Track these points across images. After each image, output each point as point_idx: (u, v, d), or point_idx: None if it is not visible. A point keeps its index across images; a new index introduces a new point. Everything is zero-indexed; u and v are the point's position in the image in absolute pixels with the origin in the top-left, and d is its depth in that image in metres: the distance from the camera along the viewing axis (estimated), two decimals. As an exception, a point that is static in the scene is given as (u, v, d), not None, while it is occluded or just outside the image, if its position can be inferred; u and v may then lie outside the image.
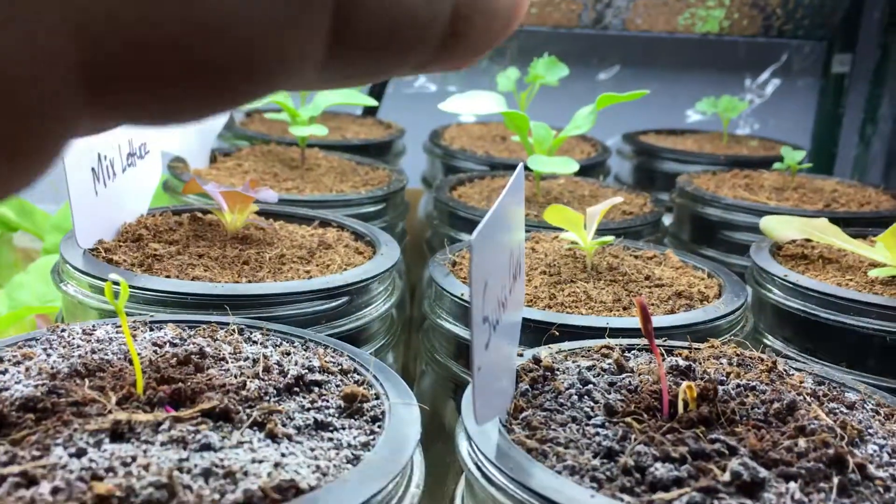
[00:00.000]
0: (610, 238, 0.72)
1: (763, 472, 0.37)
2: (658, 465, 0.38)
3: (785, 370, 0.50)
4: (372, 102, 0.97)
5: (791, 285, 0.69)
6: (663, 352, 0.53)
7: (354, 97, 0.97)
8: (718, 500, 0.36)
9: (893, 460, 0.41)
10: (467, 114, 0.87)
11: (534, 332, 0.57)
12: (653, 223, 0.92)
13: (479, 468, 0.40)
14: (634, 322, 0.60)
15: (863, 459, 0.39)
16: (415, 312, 1.04)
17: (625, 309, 0.63)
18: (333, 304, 0.60)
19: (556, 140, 0.93)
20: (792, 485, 0.37)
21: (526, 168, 0.89)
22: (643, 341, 0.55)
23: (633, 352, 0.53)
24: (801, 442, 0.40)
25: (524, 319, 0.59)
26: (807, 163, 1.03)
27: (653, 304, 0.64)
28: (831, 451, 0.39)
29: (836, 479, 0.37)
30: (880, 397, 0.48)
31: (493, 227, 0.40)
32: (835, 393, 0.48)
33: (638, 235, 0.91)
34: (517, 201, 0.47)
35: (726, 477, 0.37)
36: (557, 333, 0.55)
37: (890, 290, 0.68)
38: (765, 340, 0.73)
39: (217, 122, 1.00)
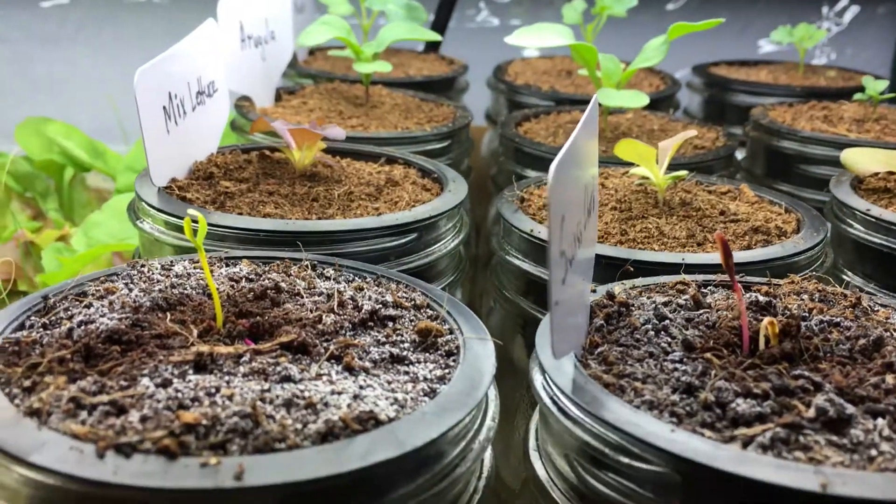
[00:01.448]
0: (683, 173, 0.70)
1: (850, 409, 0.36)
2: (739, 400, 0.37)
3: (869, 306, 0.48)
4: (436, 37, 0.95)
5: (874, 220, 0.67)
6: (741, 288, 0.52)
7: (418, 32, 0.95)
8: (804, 436, 0.35)
9: None
10: (532, 47, 0.85)
11: (605, 269, 0.56)
12: (725, 158, 0.90)
13: (554, 402, 0.40)
14: (710, 258, 0.58)
15: (955, 397, 0.37)
16: (479, 250, 1.04)
17: (699, 245, 0.62)
18: (402, 240, 0.60)
19: (626, 73, 0.90)
20: (880, 421, 0.36)
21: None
22: (718, 277, 0.53)
23: (708, 288, 0.52)
24: (890, 379, 0.39)
25: (596, 255, 0.58)
26: (888, 93, 0.99)
27: (728, 240, 0.63)
28: (922, 389, 0.37)
29: (925, 417, 0.36)
30: None
31: (569, 161, 0.39)
32: None
33: (710, 170, 0.88)
34: (591, 136, 0.46)
35: (811, 413, 0.36)
36: (632, 269, 0.54)
37: (980, 224, 0.65)
38: (844, 276, 0.71)
39: (282, 59, 0.99)
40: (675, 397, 0.38)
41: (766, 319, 0.42)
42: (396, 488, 0.34)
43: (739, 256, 0.59)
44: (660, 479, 0.35)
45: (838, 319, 0.46)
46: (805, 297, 0.49)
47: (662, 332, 0.44)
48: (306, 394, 0.36)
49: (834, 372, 0.40)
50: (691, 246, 0.62)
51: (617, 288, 0.51)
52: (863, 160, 0.73)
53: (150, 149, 0.61)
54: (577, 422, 0.38)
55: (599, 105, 0.87)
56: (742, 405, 0.37)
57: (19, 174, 1.14)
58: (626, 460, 0.36)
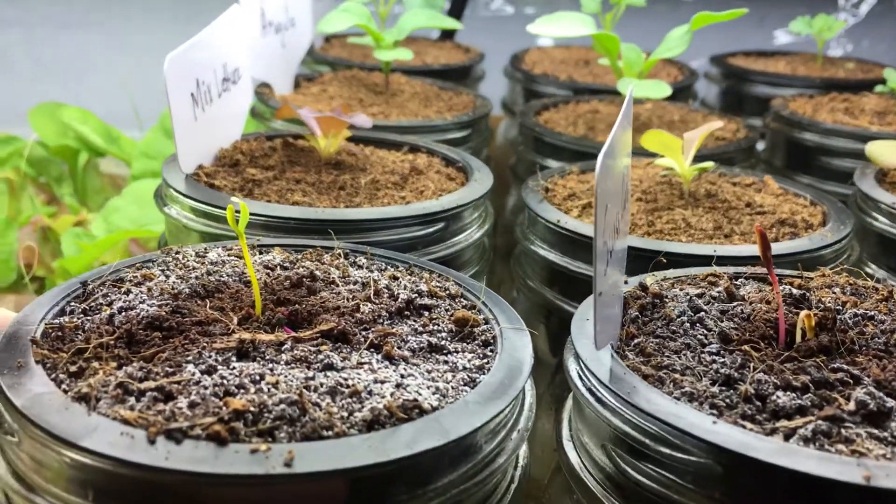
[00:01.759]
0: (710, 164, 0.70)
1: (890, 402, 0.36)
2: (780, 393, 0.37)
3: (902, 299, 0.48)
4: (457, 25, 0.95)
5: (899, 213, 0.67)
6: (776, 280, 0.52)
7: (438, 19, 0.95)
8: (845, 429, 0.35)
9: None
10: (554, 36, 0.85)
11: (634, 261, 0.56)
12: (747, 149, 0.90)
13: (591, 392, 0.40)
14: (739, 250, 0.58)
15: None
16: (497, 241, 1.04)
17: (726, 237, 0.62)
18: (430, 230, 0.60)
19: (648, 63, 0.90)
20: (919, 415, 0.36)
21: (615, 92, 0.87)
22: (749, 269, 0.53)
23: (739, 280, 0.52)
24: (927, 373, 0.39)
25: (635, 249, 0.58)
26: None
27: (755, 233, 0.63)
28: (962, 383, 0.38)
29: (966, 411, 0.36)
30: None
31: (612, 152, 0.39)
32: None
33: (731, 162, 0.88)
34: (627, 127, 0.46)
35: (851, 406, 0.36)
36: (665, 261, 0.54)
37: None
38: (868, 269, 0.71)
39: (301, 46, 0.99)
40: (715, 389, 0.38)
41: (804, 312, 0.42)
42: (441, 476, 0.35)
43: (777, 248, 0.59)
44: (701, 470, 0.36)
45: (872, 313, 0.46)
46: (837, 290, 0.50)
47: (698, 324, 0.44)
48: (350, 382, 0.36)
49: (871, 365, 0.40)
50: (718, 238, 0.62)
51: (649, 279, 0.51)
52: (888, 153, 0.73)
53: (179, 136, 0.61)
54: (616, 412, 0.38)
55: (612, 95, 0.87)
56: (782, 398, 0.37)
57: (33, 159, 1.14)
58: (666, 451, 0.36)
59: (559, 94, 1.13)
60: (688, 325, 0.44)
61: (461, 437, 0.34)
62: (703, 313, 0.45)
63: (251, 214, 0.57)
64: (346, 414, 0.34)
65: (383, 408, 0.34)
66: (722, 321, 0.45)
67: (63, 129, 1.18)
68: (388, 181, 0.66)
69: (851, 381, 0.38)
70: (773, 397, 0.37)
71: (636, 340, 0.43)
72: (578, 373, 0.42)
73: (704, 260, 0.56)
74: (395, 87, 0.99)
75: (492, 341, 0.42)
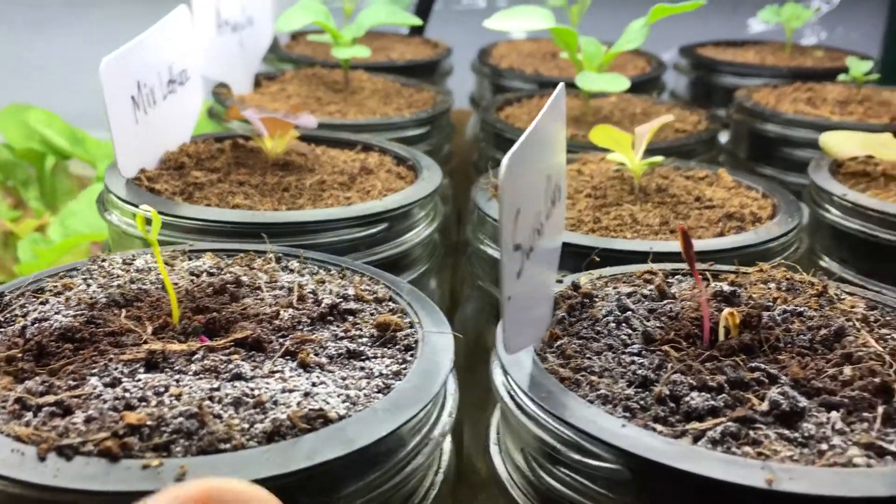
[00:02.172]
0: (659, 158, 0.69)
1: (803, 402, 0.36)
2: (694, 394, 0.37)
3: (836, 295, 0.48)
4: (416, 21, 0.95)
5: (850, 204, 0.66)
6: (709, 277, 0.51)
7: (398, 16, 0.94)
8: (755, 430, 0.35)
9: (946, 389, 0.39)
10: (514, 31, 0.84)
11: (575, 258, 0.56)
12: (707, 141, 0.89)
13: (511, 397, 0.40)
14: (678, 246, 0.58)
15: (913, 389, 0.37)
16: (462, 236, 1.03)
17: (672, 232, 0.61)
18: (372, 231, 0.59)
19: (607, 56, 0.89)
20: (833, 414, 0.36)
21: (576, 86, 0.86)
22: (704, 266, 0.53)
23: (677, 277, 0.52)
24: (847, 370, 0.39)
25: (565, 244, 0.58)
26: (876, 74, 0.98)
27: (701, 227, 0.62)
28: (877, 380, 0.37)
29: (881, 409, 0.36)
30: None
31: (528, 150, 0.38)
32: (888, 318, 0.46)
33: (691, 154, 0.87)
34: (557, 122, 0.45)
35: (764, 406, 0.36)
36: (598, 259, 0.54)
37: (956, 208, 0.64)
38: (821, 262, 0.71)
39: (261, 45, 0.98)
40: (630, 391, 0.38)
41: (726, 310, 0.42)
42: (347, 485, 0.34)
43: (711, 244, 0.59)
44: (612, 476, 0.35)
45: (802, 309, 0.45)
46: (772, 285, 0.49)
47: (624, 324, 0.44)
48: (256, 392, 0.36)
49: (792, 363, 0.40)
50: (664, 233, 0.61)
51: (583, 278, 0.50)
52: (841, 143, 0.73)
53: (117, 139, 0.61)
54: (531, 417, 0.38)
55: (576, 88, 0.86)
56: (696, 399, 0.36)
57: (0, 163, 1.14)
58: (578, 457, 0.36)
59: (525, 88, 1.12)
60: (613, 325, 0.44)
61: (365, 447, 0.34)
62: (629, 313, 0.45)
63: (189, 219, 0.57)
64: (247, 426, 0.34)
65: (286, 418, 0.34)
66: (649, 320, 0.44)
67: (29, 131, 1.17)
68: (336, 181, 0.66)
69: (768, 381, 0.38)
70: (687, 398, 0.37)
71: (559, 342, 0.42)
72: (501, 378, 0.41)
73: (647, 257, 0.56)
74: (356, 84, 0.98)
75: (413, 346, 0.42)
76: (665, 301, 0.47)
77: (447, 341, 0.42)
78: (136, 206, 0.58)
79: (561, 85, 0.47)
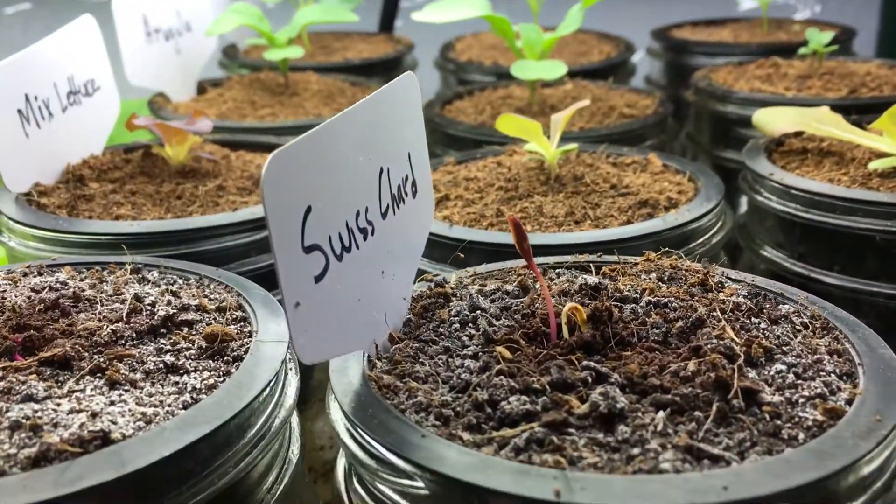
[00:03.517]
0: (573, 146, 0.66)
1: (622, 403, 0.33)
2: (513, 398, 0.34)
3: (718, 283, 0.45)
4: (352, 17, 0.92)
5: (777, 185, 0.63)
6: (592, 269, 0.48)
7: (334, 13, 0.92)
8: (565, 435, 0.32)
9: (800, 381, 0.35)
10: (443, 21, 0.81)
11: (447, 251, 0.54)
12: (655, 125, 0.85)
13: (333, 400, 0.37)
14: (577, 237, 0.55)
15: (754, 383, 0.34)
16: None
17: (577, 223, 0.58)
18: (259, 236, 0.57)
19: (547, 42, 0.86)
20: (660, 415, 0.33)
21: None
22: (586, 258, 0.50)
23: (558, 271, 0.49)
24: (691, 365, 0.36)
25: (442, 239, 0.55)
26: (873, 49, 0.93)
27: (611, 216, 0.59)
28: (714, 375, 0.34)
29: (714, 407, 0.33)
30: (818, 308, 0.42)
31: (322, 145, 0.36)
32: (767, 306, 0.42)
33: (642, 139, 0.84)
34: (402, 113, 0.43)
35: (583, 409, 0.33)
36: (462, 255, 0.52)
37: (889, 183, 0.60)
38: (752, 245, 0.67)
39: (201, 54, 0.97)
40: (449, 397, 0.35)
41: (569, 305, 0.39)
42: (128, 511, 0.32)
43: (614, 233, 0.56)
44: (414, 491, 0.33)
45: (667, 300, 0.42)
46: (652, 276, 0.46)
47: (470, 325, 0.41)
48: (39, 414, 0.34)
49: (634, 360, 0.37)
50: (568, 224, 0.58)
51: (454, 276, 0.48)
52: (774, 120, 0.69)
53: (2, 155, 0.60)
54: (346, 429, 0.35)
55: (514, 77, 0.83)
56: (513, 403, 0.34)
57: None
58: (383, 472, 0.33)
59: (485, 80, 1.09)
60: (458, 325, 0.41)
61: (140, 470, 0.31)
62: (479, 312, 0.42)
63: (68, 233, 0.56)
64: (14, 451, 0.32)
65: (57, 442, 0.32)
66: (499, 319, 0.41)
67: None
68: (235, 187, 0.64)
69: (596, 380, 0.35)
70: (504, 403, 0.34)
71: (396, 346, 0.40)
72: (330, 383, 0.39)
73: (547, 250, 0.53)
74: (301, 86, 0.96)
75: (243, 357, 0.40)
76: (527, 297, 0.44)
77: (279, 351, 0.40)
78: (17, 223, 0.57)
79: (408, 74, 0.44)
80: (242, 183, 0.65)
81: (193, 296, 0.45)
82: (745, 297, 0.43)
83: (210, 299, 0.45)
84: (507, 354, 0.37)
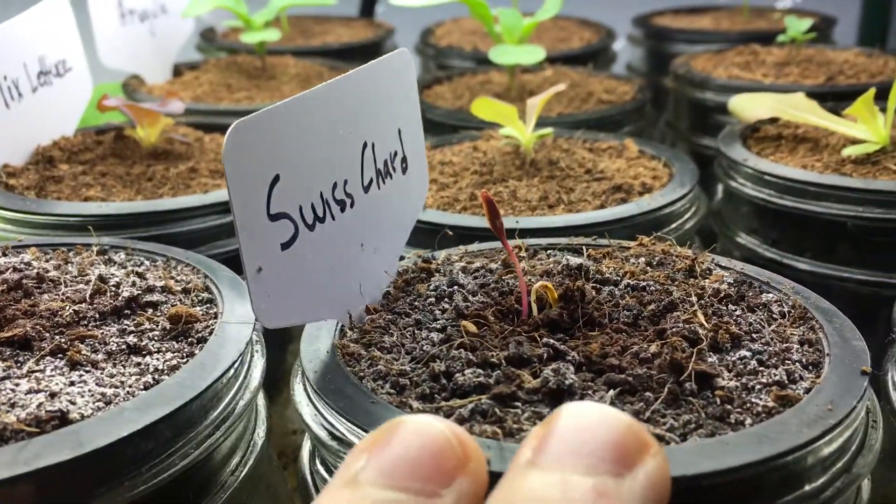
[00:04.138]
0: (548, 130, 0.66)
1: (571, 380, 0.33)
2: (468, 370, 0.34)
3: (708, 269, 0.44)
4: (330, 1, 0.91)
5: (751, 171, 0.63)
6: (583, 251, 0.48)
7: (313, -4, 0.91)
8: (511, 408, 0.32)
9: (762, 368, 0.35)
10: (417, 6, 0.81)
11: (420, 235, 0.53)
12: (634, 111, 0.85)
13: (297, 365, 0.37)
14: (549, 222, 0.55)
15: (711, 367, 0.34)
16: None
17: (550, 207, 0.58)
18: (230, 218, 0.57)
19: (526, 27, 0.86)
20: (610, 393, 0.33)
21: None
22: (580, 240, 0.49)
23: (547, 251, 0.48)
24: (653, 347, 0.35)
25: (425, 223, 0.55)
26: (854, 37, 0.93)
27: (584, 200, 0.59)
28: (670, 356, 0.34)
29: (666, 388, 0.33)
30: (801, 298, 0.41)
31: (295, 115, 0.35)
32: (750, 294, 0.42)
33: (619, 125, 0.84)
34: (382, 89, 0.42)
35: (534, 384, 0.33)
36: (451, 234, 0.51)
37: (862, 169, 0.60)
38: (727, 231, 0.67)
39: (177, 36, 0.96)
40: (408, 367, 0.35)
41: (538, 284, 0.39)
42: (87, 490, 0.32)
43: (587, 217, 0.55)
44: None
45: (646, 283, 0.42)
46: (641, 260, 0.45)
47: (446, 300, 0.41)
48: (-4, 394, 0.33)
49: (598, 340, 0.36)
50: (542, 209, 0.58)
51: (442, 254, 0.47)
52: (750, 106, 0.69)
53: (-31, 135, 0.59)
54: (306, 393, 0.35)
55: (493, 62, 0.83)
56: (466, 375, 0.33)
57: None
58: (330, 442, 0.33)
59: (465, 65, 1.09)
60: (434, 300, 0.41)
61: (98, 450, 0.31)
62: (457, 287, 0.42)
63: (36, 214, 0.55)
64: (-31, 431, 0.31)
65: (14, 421, 0.32)
66: (475, 295, 0.41)
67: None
68: (207, 169, 0.63)
69: (552, 357, 0.35)
70: (458, 375, 0.34)
71: (369, 317, 0.40)
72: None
73: (523, 233, 0.52)
74: (279, 70, 0.95)
75: (207, 338, 0.39)
76: (508, 277, 0.43)
77: (244, 333, 0.39)
78: (-16, 203, 0.56)
79: (402, 50, 0.44)
80: (215, 166, 0.64)
81: (160, 277, 0.45)
82: (729, 284, 0.42)
83: (176, 281, 0.45)
84: (472, 328, 0.37)
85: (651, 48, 1.21)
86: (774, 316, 0.40)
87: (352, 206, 0.39)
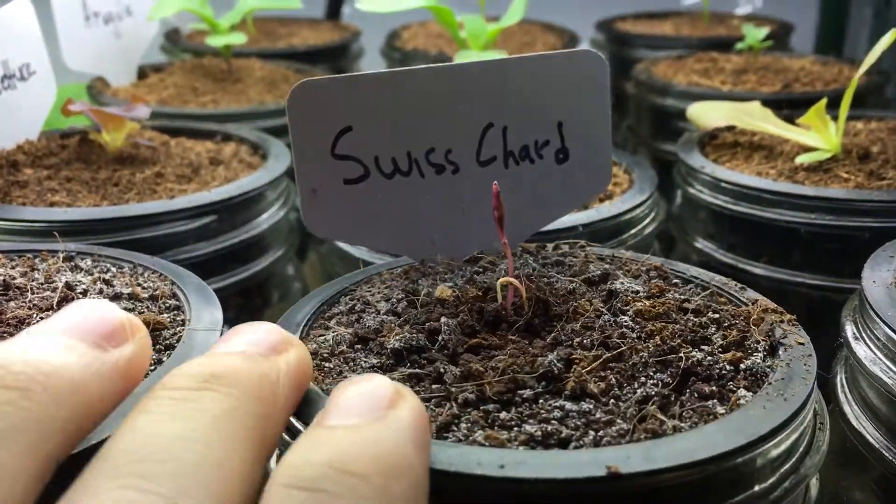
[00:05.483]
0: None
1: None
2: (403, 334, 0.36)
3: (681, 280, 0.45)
4: (295, 4, 0.92)
5: (708, 178, 0.64)
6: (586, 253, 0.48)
7: (279, 0, 0.92)
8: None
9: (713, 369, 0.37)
10: (383, 12, 0.81)
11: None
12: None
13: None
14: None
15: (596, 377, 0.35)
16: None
17: (514, 213, 0.59)
18: (196, 224, 0.57)
19: (491, 33, 0.87)
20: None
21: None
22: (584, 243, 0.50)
23: (578, 247, 0.49)
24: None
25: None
26: (812, 44, 0.95)
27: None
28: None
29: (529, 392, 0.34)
30: (733, 307, 0.42)
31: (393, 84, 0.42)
32: (710, 308, 0.42)
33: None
34: (543, 82, 0.45)
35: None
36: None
37: (814, 177, 0.62)
38: (685, 237, 0.69)
39: (141, 38, 0.96)
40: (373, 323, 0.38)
41: (502, 279, 0.40)
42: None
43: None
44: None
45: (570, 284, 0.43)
46: (642, 276, 0.46)
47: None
48: (-37, 403, 0.33)
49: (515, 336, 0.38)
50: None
51: (552, 246, 0.49)
52: (707, 114, 0.71)
53: (-69, 140, 0.58)
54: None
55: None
56: (397, 339, 0.36)
57: None
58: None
59: (431, 69, 1.10)
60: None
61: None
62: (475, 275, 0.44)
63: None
64: (-63, 440, 0.31)
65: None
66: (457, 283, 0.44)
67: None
68: (174, 174, 0.63)
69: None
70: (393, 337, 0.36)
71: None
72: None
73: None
74: (245, 72, 0.95)
75: (175, 345, 0.40)
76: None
77: (211, 340, 0.40)
78: (-53, 209, 0.56)
79: (595, 53, 0.46)
80: (181, 170, 0.64)
81: (126, 284, 0.45)
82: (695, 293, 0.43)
83: (143, 288, 0.45)
84: (448, 293, 0.41)
85: (613, 53, 1.23)
86: (723, 319, 0.42)
87: (454, 172, 0.44)
